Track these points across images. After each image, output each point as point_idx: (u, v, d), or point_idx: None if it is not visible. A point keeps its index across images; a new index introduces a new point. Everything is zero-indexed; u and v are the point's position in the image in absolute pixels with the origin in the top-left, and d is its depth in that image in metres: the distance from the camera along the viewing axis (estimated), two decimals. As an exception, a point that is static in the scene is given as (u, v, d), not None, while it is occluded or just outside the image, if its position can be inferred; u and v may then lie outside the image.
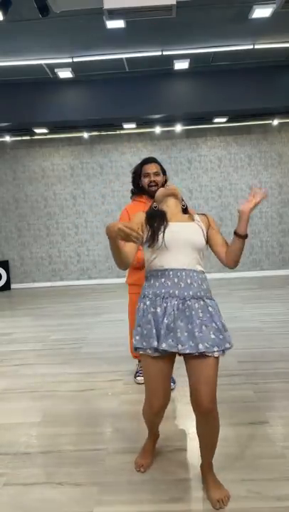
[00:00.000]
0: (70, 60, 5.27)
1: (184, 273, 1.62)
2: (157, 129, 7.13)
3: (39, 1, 3.44)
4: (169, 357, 1.65)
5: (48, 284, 7.78)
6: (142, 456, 1.95)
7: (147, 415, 1.81)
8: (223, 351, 1.57)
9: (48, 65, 5.45)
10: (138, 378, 2.92)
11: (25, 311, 5.64)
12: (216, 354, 1.54)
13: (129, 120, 6.54)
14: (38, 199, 7.62)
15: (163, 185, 2.56)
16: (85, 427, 2.35)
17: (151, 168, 2.65)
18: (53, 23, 4.19)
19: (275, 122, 7.05)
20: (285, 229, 7.52)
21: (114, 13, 3.06)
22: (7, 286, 7.64)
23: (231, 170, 7.43)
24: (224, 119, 6.75)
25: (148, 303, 1.65)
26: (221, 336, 1.56)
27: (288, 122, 7.16)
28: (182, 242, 1.65)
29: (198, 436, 1.69)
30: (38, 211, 7.65)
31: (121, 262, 1.61)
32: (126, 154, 7.43)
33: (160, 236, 1.63)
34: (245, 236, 1.67)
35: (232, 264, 1.71)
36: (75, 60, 5.26)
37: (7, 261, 7.70)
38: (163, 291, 1.62)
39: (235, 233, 1.68)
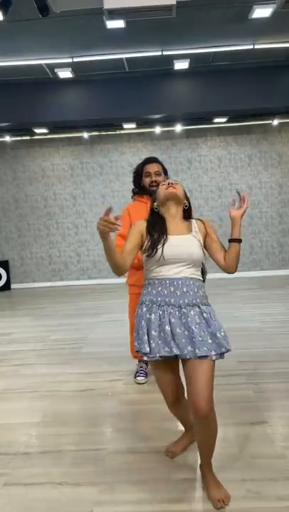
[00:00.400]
0: (70, 60, 5.27)
1: (180, 282, 1.66)
2: (157, 129, 7.13)
3: (39, 1, 3.44)
4: (169, 362, 1.69)
5: (48, 284, 7.78)
6: (173, 443, 2.04)
7: (167, 406, 1.86)
8: (221, 355, 1.62)
9: (48, 65, 5.45)
10: (138, 378, 2.92)
11: (25, 311, 5.64)
12: (213, 357, 1.60)
13: (129, 120, 6.54)
14: (38, 199, 7.63)
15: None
16: (85, 427, 2.35)
17: (153, 168, 2.65)
18: (53, 23, 4.19)
19: (275, 122, 7.05)
20: (285, 229, 7.52)
21: (114, 13, 3.06)
22: (7, 286, 7.64)
23: (231, 170, 7.43)
24: (224, 119, 6.75)
25: (144, 309, 1.70)
26: (216, 341, 1.60)
27: (288, 122, 7.16)
28: (180, 256, 1.67)
29: (196, 438, 1.71)
30: (38, 211, 7.65)
31: (115, 264, 1.63)
32: (126, 154, 7.43)
33: (159, 250, 1.66)
34: (241, 240, 1.76)
35: (232, 269, 1.75)
36: (75, 60, 5.26)
37: (7, 261, 7.70)
38: (159, 299, 1.66)
39: (231, 240, 1.74)
